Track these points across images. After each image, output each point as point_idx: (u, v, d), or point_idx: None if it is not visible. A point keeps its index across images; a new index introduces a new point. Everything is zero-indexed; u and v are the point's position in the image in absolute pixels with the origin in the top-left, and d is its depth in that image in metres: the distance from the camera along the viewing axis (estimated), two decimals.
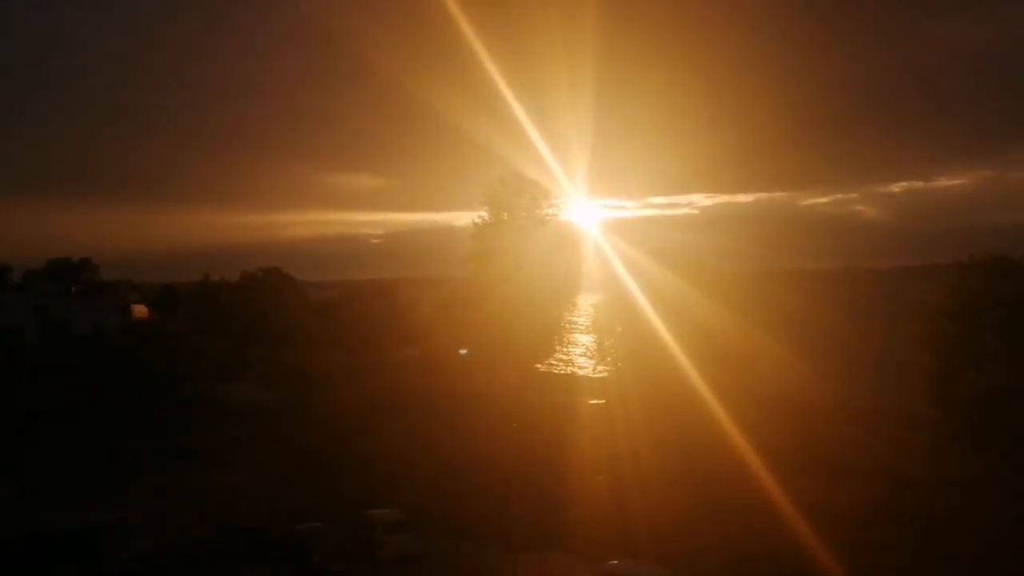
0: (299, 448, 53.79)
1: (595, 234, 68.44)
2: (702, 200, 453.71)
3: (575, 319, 69.52)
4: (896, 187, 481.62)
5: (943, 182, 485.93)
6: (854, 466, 46.60)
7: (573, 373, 79.21)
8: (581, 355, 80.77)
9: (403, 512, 40.09)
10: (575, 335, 74.31)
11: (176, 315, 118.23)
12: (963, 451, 46.22)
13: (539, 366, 67.07)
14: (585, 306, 73.93)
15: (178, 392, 73.70)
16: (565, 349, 72.98)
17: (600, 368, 63.06)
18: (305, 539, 37.77)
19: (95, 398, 68.71)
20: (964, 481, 42.81)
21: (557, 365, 75.14)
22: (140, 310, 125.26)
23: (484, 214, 62.67)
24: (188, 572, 36.21)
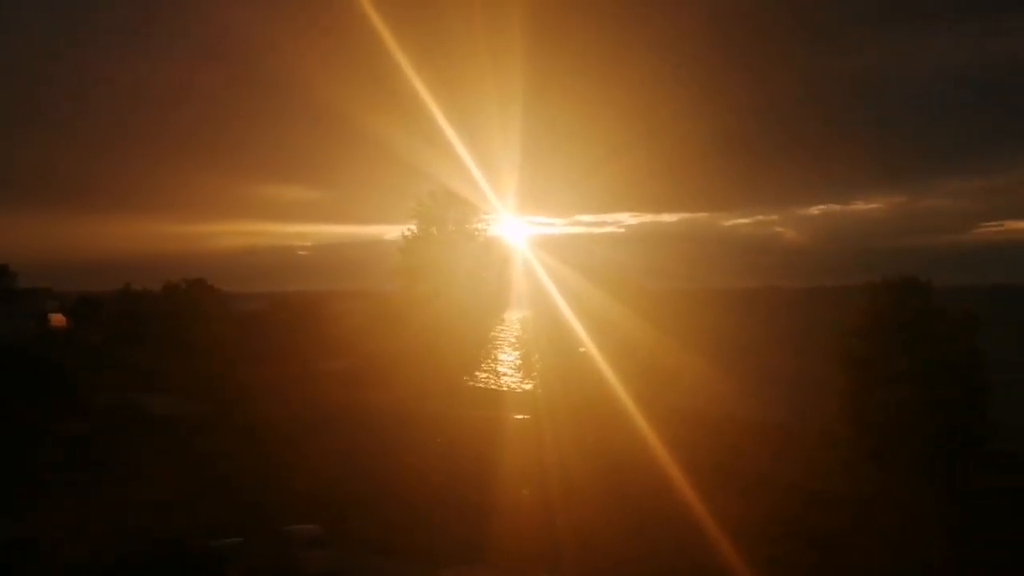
0: (219, 462, 52.76)
1: (524, 250, 69.07)
2: (628, 219, 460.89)
3: (503, 334, 69.92)
4: (815, 210, 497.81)
5: (859, 206, 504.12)
6: (770, 481, 47.85)
7: (500, 387, 79.50)
8: (508, 370, 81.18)
9: (324, 528, 39.72)
10: (503, 350, 74.70)
11: (95, 325, 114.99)
12: (874, 467, 47.84)
13: (466, 380, 67.19)
14: (513, 321, 74.40)
15: (95, 403, 71.58)
16: (492, 364, 73.32)
17: (527, 383, 63.60)
18: (223, 555, 37.10)
19: (7, 408, 66.25)
20: (872, 497, 44.35)
21: (484, 379, 75.34)
22: (58, 319, 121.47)
23: (413, 228, 62.73)
24: None
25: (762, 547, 35.62)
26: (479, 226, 62.98)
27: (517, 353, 68.69)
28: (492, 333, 65.70)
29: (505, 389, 78.03)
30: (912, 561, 35.45)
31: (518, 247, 68.63)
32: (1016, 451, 52.96)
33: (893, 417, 46.70)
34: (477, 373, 70.28)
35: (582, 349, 51.23)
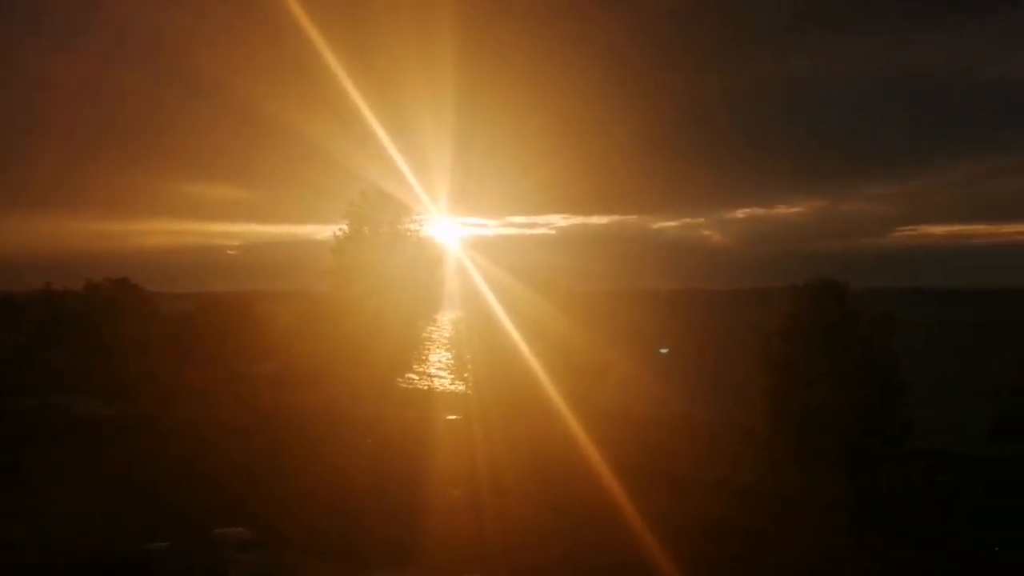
0: (145, 465, 51.72)
1: (456, 251, 69.20)
2: (559, 221, 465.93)
3: (435, 335, 69.89)
4: (740, 213, 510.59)
5: (782, 210, 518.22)
6: (696, 479, 49.07)
7: (432, 388, 79.54)
8: (440, 370, 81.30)
9: (254, 531, 39.38)
10: (435, 350, 74.72)
11: (14, 325, 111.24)
12: (794, 465, 49.35)
13: (398, 381, 67.06)
14: (445, 322, 74.51)
15: (15, 406, 69.39)
16: (425, 364, 73.29)
17: (459, 383, 63.87)
18: (150, 560, 36.50)
19: None
20: (792, 494, 45.81)
21: (416, 380, 75.34)
22: None
23: (345, 228, 62.22)
24: None
25: (688, 543, 36.56)
26: (411, 227, 62.79)
27: (449, 354, 68.89)
28: (424, 334, 65.47)
29: (437, 390, 78.13)
30: (825, 557, 36.81)
31: (450, 248, 68.76)
32: (931, 449, 55.32)
33: (813, 416, 48.12)
34: (409, 374, 70.19)
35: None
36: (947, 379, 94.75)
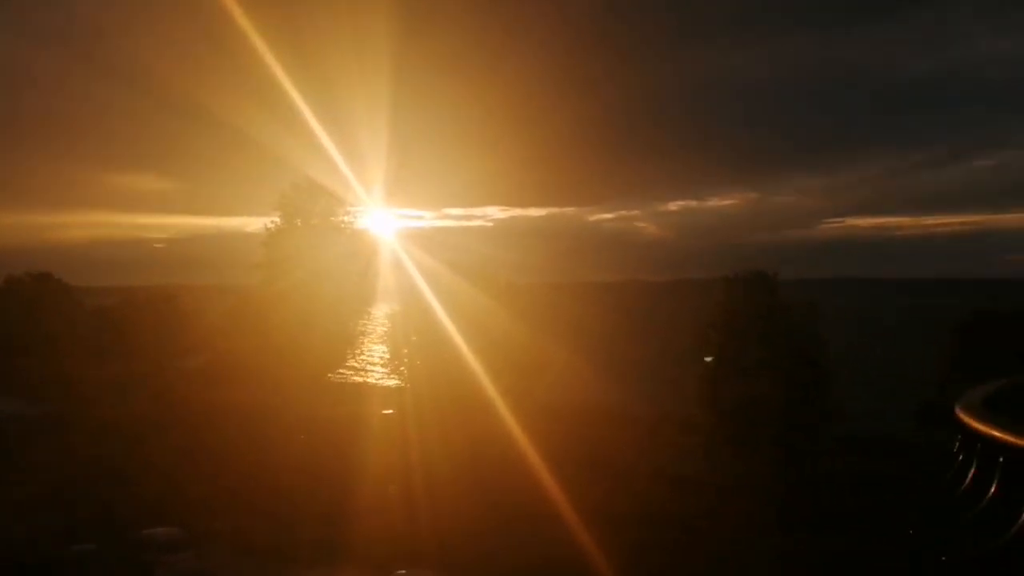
0: (67, 465, 50.01)
1: (391, 243, 68.35)
2: (497, 213, 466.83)
3: (370, 328, 69.00)
4: (673, 205, 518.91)
5: (715, 202, 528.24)
6: (632, 470, 49.49)
7: (366, 383, 78.60)
8: (375, 365, 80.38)
9: (183, 530, 38.46)
10: (369, 345, 73.83)
11: None
12: (730, 454, 50.20)
13: (331, 376, 66.05)
14: (381, 315, 73.64)
15: None
16: (358, 359, 72.36)
17: (394, 378, 63.18)
18: (74, 563, 35.42)
19: None
20: (725, 482, 46.61)
21: (350, 375, 74.31)
22: None
23: (276, 220, 60.90)
24: None
25: (628, 533, 36.78)
26: (345, 218, 61.73)
27: (384, 348, 68.19)
28: (359, 328, 64.58)
29: (372, 385, 77.25)
30: (750, 545, 37.46)
31: (385, 240, 67.89)
32: (857, 434, 56.82)
33: (747, 404, 49.17)
34: (343, 369, 69.20)
35: (708, 360, 51.03)
36: (873, 367, 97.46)
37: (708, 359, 51.67)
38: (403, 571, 33.49)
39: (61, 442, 55.49)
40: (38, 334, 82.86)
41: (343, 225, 61.64)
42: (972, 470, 27.66)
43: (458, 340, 51.21)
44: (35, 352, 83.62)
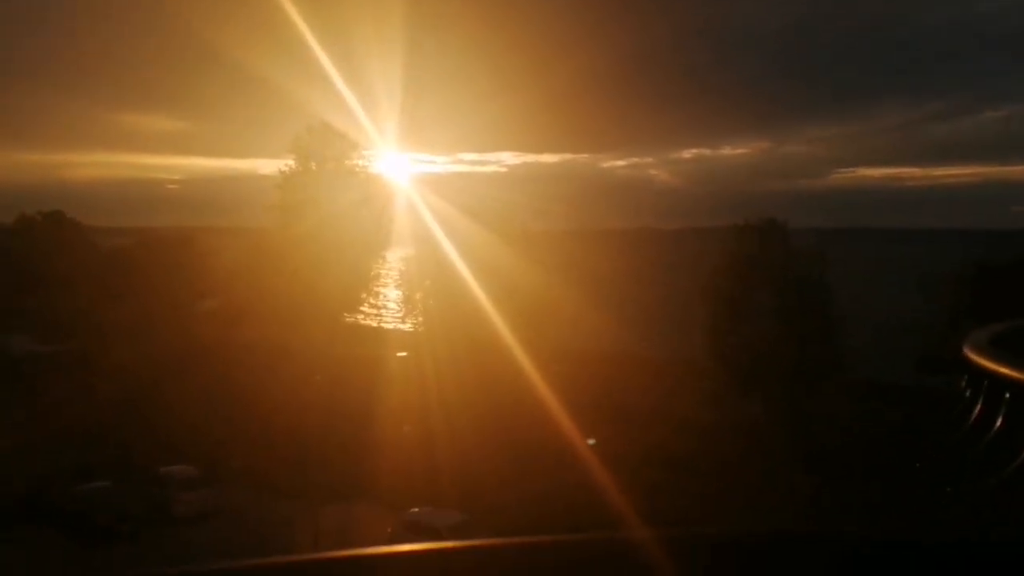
0: (83, 404, 50.71)
1: (406, 188, 68.15)
2: (511, 158, 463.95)
3: (384, 272, 69.17)
4: (687, 153, 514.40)
5: (728, 151, 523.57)
6: (640, 411, 50.16)
7: (381, 326, 79.07)
8: (390, 308, 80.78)
9: (199, 468, 39.15)
10: (384, 289, 74.10)
11: None
12: (736, 398, 50.82)
13: (347, 319, 66.50)
14: (395, 259, 73.79)
15: None
16: (373, 302, 72.70)
17: (409, 321, 63.46)
18: (90, 500, 36.07)
19: None
20: (741, 426, 47.29)
21: (365, 318, 74.76)
22: None
23: (291, 163, 60.71)
24: None
25: (641, 475, 37.40)
26: (360, 162, 61.56)
27: (399, 292, 68.39)
28: (373, 271, 64.77)
29: (386, 327, 77.72)
30: (779, 485, 38.10)
31: (400, 184, 67.74)
32: (863, 380, 57.34)
33: (754, 349, 49.67)
34: (358, 312, 69.59)
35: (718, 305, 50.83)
36: (880, 316, 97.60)
37: (718, 305, 51.97)
38: (417, 509, 34.19)
39: (76, 381, 56.13)
40: (51, 273, 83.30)
41: (357, 169, 61.48)
42: (978, 407, 28.18)
43: (472, 284, 51.32)
44: (48, 291, 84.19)
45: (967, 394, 30.20)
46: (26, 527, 35.33)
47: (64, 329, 72.20)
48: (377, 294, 69.89)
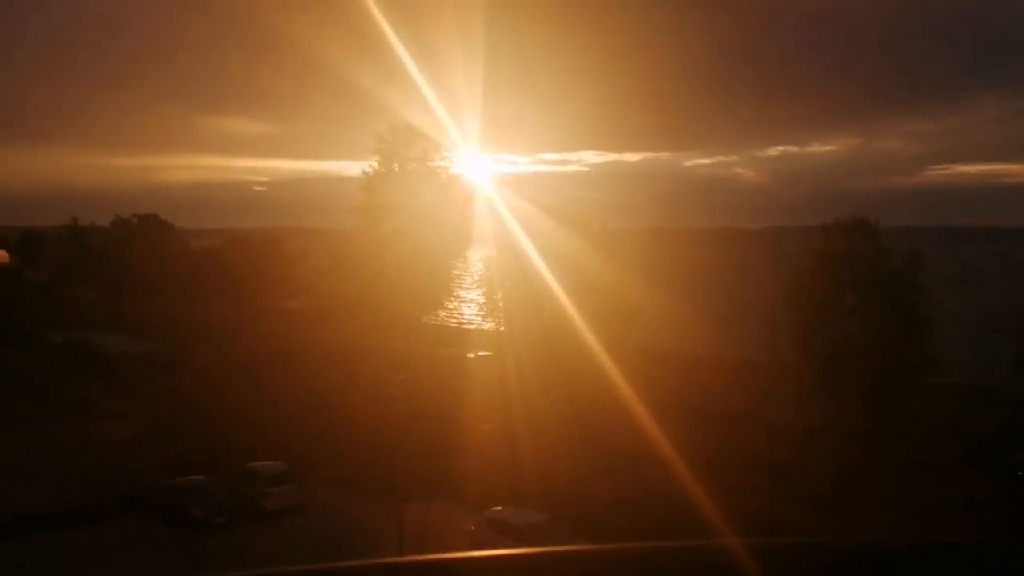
0: (178, 401, 52.42)
1: (487, 188, 68.32)
2: (592, 158, 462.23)
3: (465, 272, 69.61)
4: (773, 151, 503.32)
5: (816, 148, 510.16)
6: (726, 414, 49.21)
7: (462, 325, 79.57)
8: (471, 308, 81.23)
9: (286, 464, 39.96)
10: (465, 288, 74.59)
11: (40, 261, 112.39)
12: (823, 399, 49.41)
13: (428, 318, 67.09)
14: (476, 260, 74.11)
15: (45, 342, 70.33)
16: (455, 302, 73.29)
17: (490, 321, 63.61)
18: (184, 493, 37.21)
19: None
20: (818, 427, 46.02)
21: (447, 318, 75.35)
22: (0, 255, 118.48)
23: (374, 164, 61.60)
24: (61, 528, 35.14)
25: (721, 476, 36.68)
26: (442, 163, 62.10)
27: (480, 292, 68.71)
28: (454, 271, 65.24)
29: (468, 327, 78.15)
30: (858, 488, 36.99)
31: (481, 185, 67.95)
32: (955, 383, 55.09)
33: (841, 351, 48.24)
34: (439, 311, 70.17)
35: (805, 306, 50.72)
36: (977, 317, 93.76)
37: (806, 305, 50.67)
38: (499, 507, 34.18)
39: (173, 379, 58.04)
40: (145, 274, 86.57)
41: (439, 170, 61.99)
42: None
43: (553, 284, 51.11)
44: (143, 291, 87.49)
45: None
46: (127, 517, 36.72)
47: (157, 328, 74.76)
48: (458, 294, 70.39)
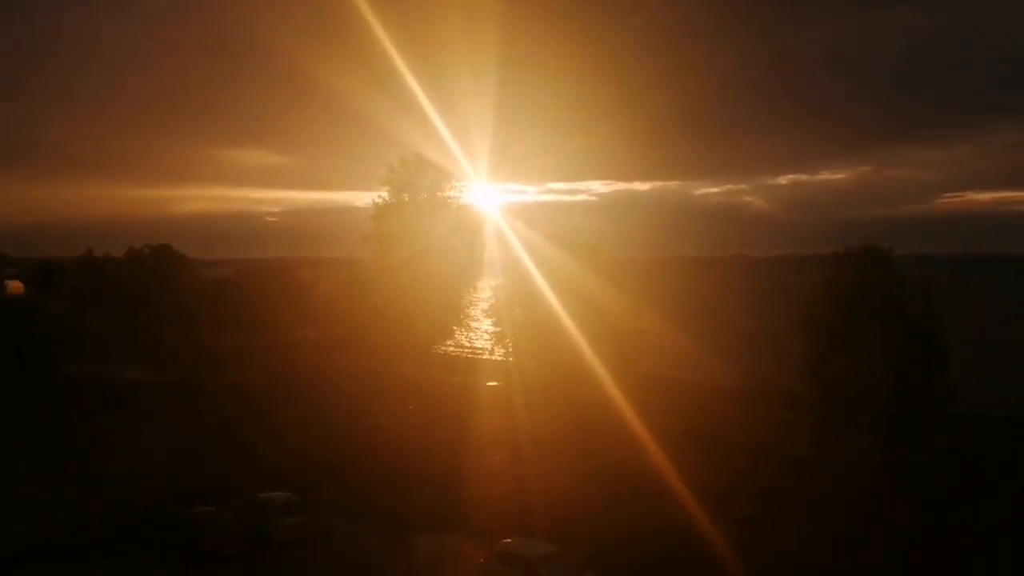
0: (188, 431, 52.56)
1: (496, 218, 68.80)
2: (600, 187, 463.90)
3: (475, 302, 69.83)
4: (783, 179, 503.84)
5: (826, 176, 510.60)
6: (737, 444, 48.86)
7: (473, 355, 79.58)
8: (481, 337, 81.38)
9: (297, 494, 39.90)
10: (475, 317, 74.78)
11: (56, 292, 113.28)
12: (836, 431, 48.92)
13: (439, 347, 67.21)
14: (486, 289, 74.42)
15: (58, 373, 70.60)
16: (465, 331, 73.39)
17: (499, 350, 63.72)
18: (195, 524, 37.12)
19: None
20: (829, 459, 45.58)
21: (456, 347, 75.44)
22: (15, 286, 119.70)
23: (384, 194, 62.19)
24: (71, 558, 35.13)
25: (730, 507, 36.43)
26: (451, 193, 62.65)
27: (490, 321, 68.84)
28: (464, 301, 65.49)
29: (478, 356, 78.17)
30: (870, 523, 36.62)
31: (491, 215, 68.38)
32: (972, 414, 54.56)
33: (854, 382, 47.71)
34: (450, 340, 70.30)
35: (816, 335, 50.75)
36: (992, 346, 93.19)
37: (817, 335, 50.32)
38: (510, 539, 33.99)
39: (184, 409, 58.20)
40: (159, 304, 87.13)
41: (449, 200, 62.49)
42: None
43: (562, 313, 51.19)
44: (157, 322, 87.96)
45: None
46: (137, 549, 36.67)
47: (170, 358, 75.01)
48: (468, 323, 70.46)
